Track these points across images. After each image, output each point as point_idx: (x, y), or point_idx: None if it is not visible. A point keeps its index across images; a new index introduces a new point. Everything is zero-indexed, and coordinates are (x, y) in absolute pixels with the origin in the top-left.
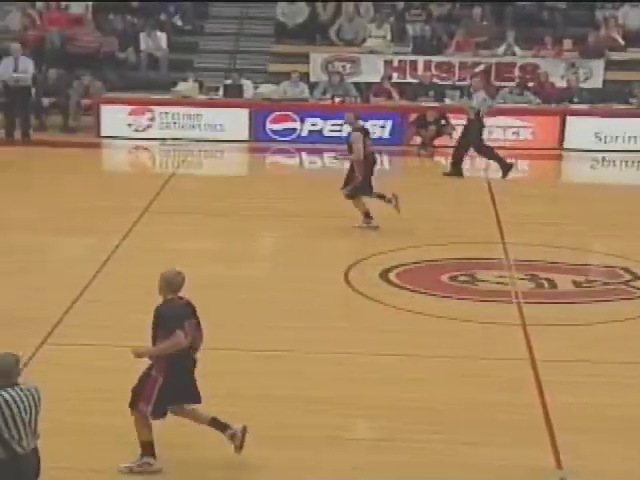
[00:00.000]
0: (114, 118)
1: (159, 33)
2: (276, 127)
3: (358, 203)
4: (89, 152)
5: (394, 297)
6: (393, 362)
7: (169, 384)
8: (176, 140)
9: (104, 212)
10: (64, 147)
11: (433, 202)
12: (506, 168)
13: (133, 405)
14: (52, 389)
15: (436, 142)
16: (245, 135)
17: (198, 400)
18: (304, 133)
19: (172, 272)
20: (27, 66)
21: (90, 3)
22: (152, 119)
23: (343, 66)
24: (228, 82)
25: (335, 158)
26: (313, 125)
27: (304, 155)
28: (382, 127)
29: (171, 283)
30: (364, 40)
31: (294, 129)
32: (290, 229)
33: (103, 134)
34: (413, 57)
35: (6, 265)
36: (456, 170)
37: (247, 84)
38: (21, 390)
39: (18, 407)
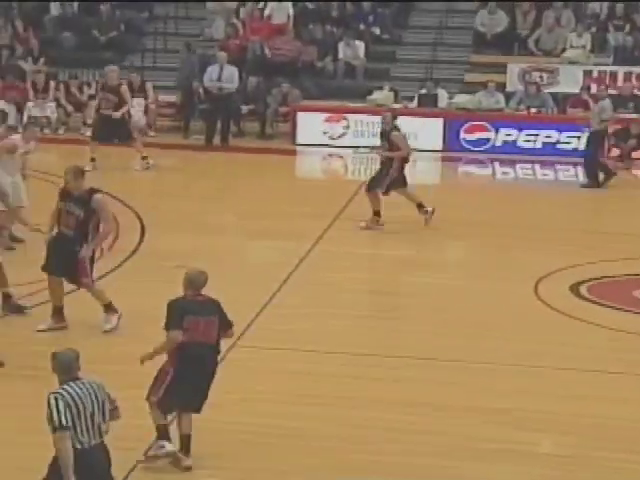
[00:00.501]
0: (310, 125)
1: (357, 42)
2: (470, 137)
3: (376, 200)
4: (284, 159)
5: (585, 311)
6: (585, 378)
7: (179, 381)
8: (369, 148)
9: (297, 217)
10: (260, 153)
11: (628, 216)
12: None
13: (147, 396)
14: (242, 391)
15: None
16: (439, 144)
17: (197, 410)
18: (498, 143)
19: (195, 271)
20: (232, 74)
21: (291, 13)
22: (347, 127)
23: (540, 76)
24: (423, 91)
25: (370, 151)
26: (507, 135)
27: (497, 165)
28: (578, 138)
29: (192, 281)
30: (563, 50)
31: (488, 139)
32: (480, 239)
33: (299, 141)
34: (614, 68)
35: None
36: None
37: (442, 93)
38: (82, 385)
39: (82, 402)
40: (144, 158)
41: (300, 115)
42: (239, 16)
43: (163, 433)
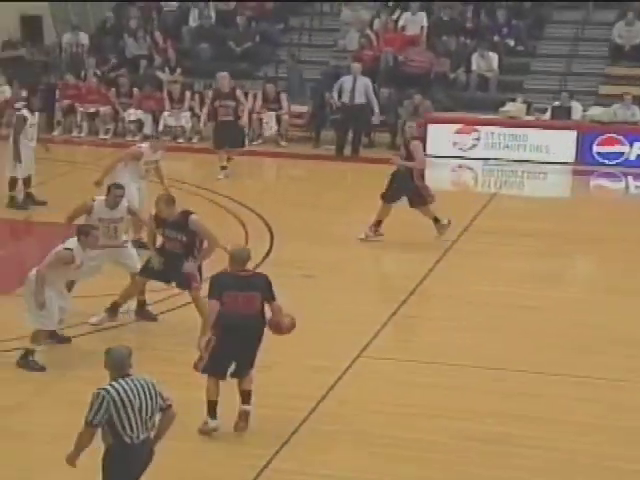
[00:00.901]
0: (440, 137)
1: (491, 54)
2: (603, 150)
3: (385, 211)
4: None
5: None
6: None
7: (219, 348)
8: (500, 160)
9: (425, 229)
10: (390, 164)
11: None
12: None
13: (194, 365)
14: (364, 401)
15: None
16: (571, 157)
17: (222, 377)
18: (632, 157)
19: (238, 247)
20: (365, 86)
21: (425, 24)
22: (478, 139)
23: None
24: (556, 104)
25: (389, 161)
26: None
27: (630, 179)
28: None
29: (234, 257)
30: None
31: (622, 153)
32: (610, 253)
33: (429, 152)
34: None
35: (329, 278)
36: None
37: (576, 106)
38: (132, 381)
39: (129, 397)
40: (223, 168)
41: (431, 126)
42: (373, 27)
43: (211, 410)
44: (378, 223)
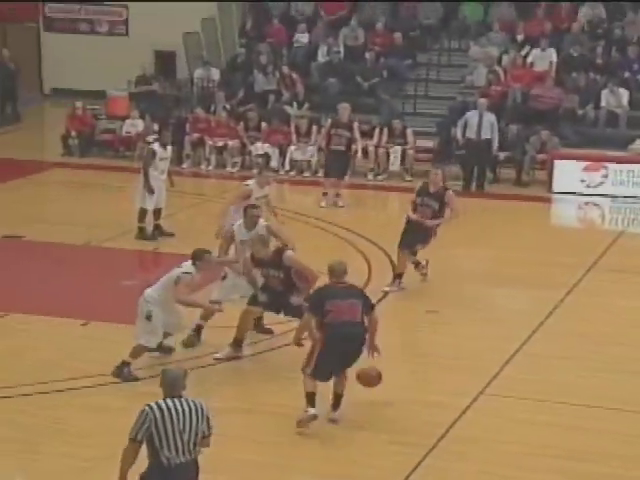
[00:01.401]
0: (567, 173)
1: (621, 90)
2: None
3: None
4: (540, 206)
5: None
6: None
7: (325, 356)
8: (628, 198)
9: (551, 266)
10: (516, 200)
11: None
12: None
13: (302, 368)
14: (485, 440)
15: None
16: None
17: (326, 381)
18: None
19: (336, 262)
20: (491, 122)
21: (554, 60)
22: (605, 176)
23: None
24: None
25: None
26: None
27: None
28: None
29: (334, 270)
30: None
31: None
32: None
33: (555, 189)
34: None
35: (453, 313)
36: None
37: None
38: (180, 402)
39: (171, 417)
40: (325, 194)
41: (558, 163)
42: (501, 63)
43: (309, 400)
44: (398, 276)
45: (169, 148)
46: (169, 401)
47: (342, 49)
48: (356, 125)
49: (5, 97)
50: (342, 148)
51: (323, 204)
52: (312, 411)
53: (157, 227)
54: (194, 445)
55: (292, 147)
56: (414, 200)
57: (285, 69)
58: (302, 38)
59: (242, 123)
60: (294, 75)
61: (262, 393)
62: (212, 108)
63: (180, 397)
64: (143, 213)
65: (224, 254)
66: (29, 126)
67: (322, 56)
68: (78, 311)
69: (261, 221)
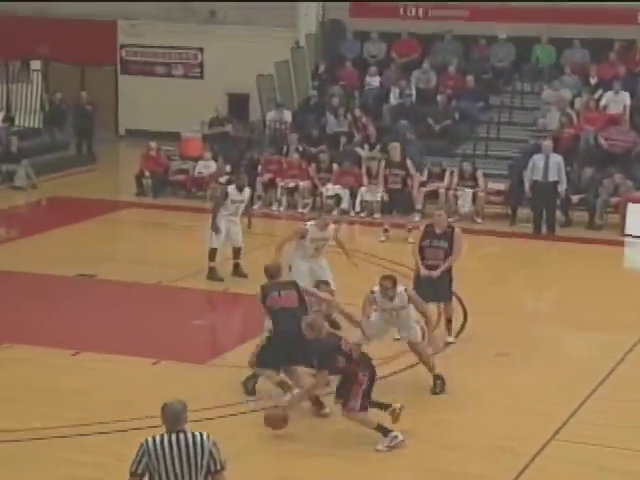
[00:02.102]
0: None
1: None
2: None
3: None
4: (612, 249)
5: None
6: None
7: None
8: None
9: (623, 310)
10: (588, 243)
11: None
12: None
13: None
14: None
15: None
16: None
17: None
18: None
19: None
20: (558, 164)
21: (628, 103)
22: None
23: None
24: None
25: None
26: None
27: None
28: None
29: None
30: None
31: None
32: None
33: (628, 232)
34: None
35: (522, 356)
36: None
37: None
38: (178, 437)
39: (164, 451)
40: (385, 231)
41: (631, 206)
42: (574, 106)
43: (382, 429)
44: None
45: (246, 190)
46: (166, 435)
47: (414, 91)
48: (409, 163)
49: (82, 137)
50: (398, 186)
51: (383, 239)
52: (399, 436)
53: (236, 266)
54: (195, 478)
55: (363, 189)
56: (420, 244)
57: (357, 111)
58: (374, 81)
59: (313, 165)
60: (365, 117)
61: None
62: (284, 150)
63: (182, 431)
64: (213, 253)
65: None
66: (104, 166)
67: (394, 98)
68: (148, 350)
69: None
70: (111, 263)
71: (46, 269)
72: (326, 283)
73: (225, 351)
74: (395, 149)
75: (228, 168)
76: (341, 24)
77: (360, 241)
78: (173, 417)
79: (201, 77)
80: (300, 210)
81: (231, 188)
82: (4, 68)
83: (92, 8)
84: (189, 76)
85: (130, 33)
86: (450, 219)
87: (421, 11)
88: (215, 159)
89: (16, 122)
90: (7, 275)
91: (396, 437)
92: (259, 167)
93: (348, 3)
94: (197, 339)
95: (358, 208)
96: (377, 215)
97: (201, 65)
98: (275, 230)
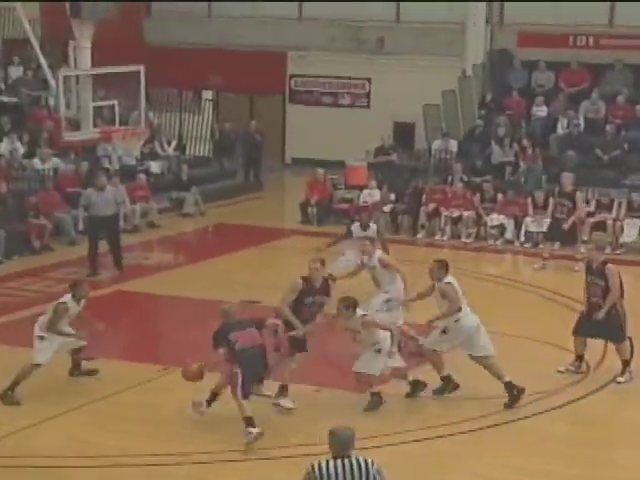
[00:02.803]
0: None
1: None
2: None
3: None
4: None
5: None
6: None
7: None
8: None
9: None
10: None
11: None
12: None
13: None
14: None
15: None
16: None
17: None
18: None
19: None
20: None
21: None
22: None
23: None
24: None
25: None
26: None
27: None
28: None
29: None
30: None
31: None
32: None
33: None
34: None
35: None
36: None
37: None
38: (343, 463)
39: (329, 477)
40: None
41: None
42: None
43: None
44: (578, 358)
45: (372, 227)
46: (332, 461)
47: (582, 121)
48: (579, 194)
49: (249, 166)
50: (563, 216)
51: (536, 266)
52: (256, 430)
53: None
54: None
55: (528, 219)
56: (585, 280)
57: (524, 142)
58: (540, 111)
59: (478, 194)
60: (532, 147)
61: None
62: (449, 179)
63: (348, 456)
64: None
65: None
66: (270, 194)
67: (561, 128)
68: (311, 377)
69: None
70: (275, 290)
71: (211, 295)
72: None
73: (382, 380)
74: (567, 179)
75: (392, 197)
76: (509, 53)
77: (523, 271)
78: (343, 442)
79: (368, 106)
80: (464, 240)
81: (355, 226)
82: (178, 98)
83: (264, 40)
84: (356, 105)
85: (299, 63)
86: (617, 251)
87: (591, 40)
88: (380, 188)
89: (187, 151)
90: (174, 300)
91: (250, 434)
92: (423, 196)
93: (516, 33)
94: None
95: (523, 238)
96: (542, 246)
97: (368, 94)
98: None
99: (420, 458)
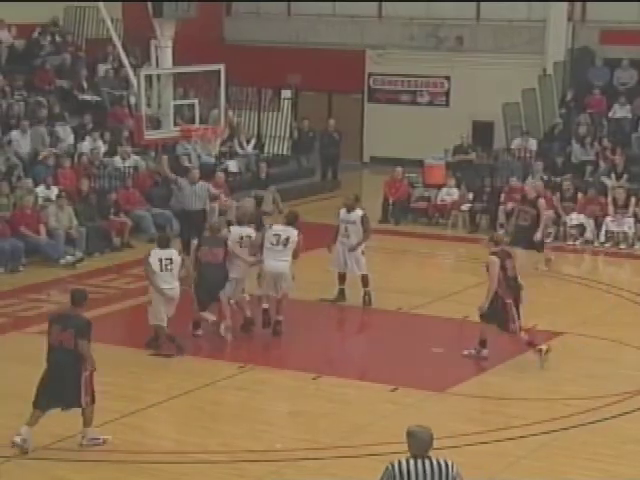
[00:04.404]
0: None
1: None
2: None
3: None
4: None
5: None
6: None
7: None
8: None
9: None
10: None
11: None
12: None
13: None
14: None
15: None
16: None
17: None
18: None
19: None
20: None
21: None
22: None
23: None
24: None
25: None
26: None
27: None
28: None
29: None
30: None
31: None
32: None
33: None
34: None
35: None
36: None
37: None
38: (424, 462)
39: (409, 476)
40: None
41: None
42: None
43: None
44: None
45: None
46: (412, 460)
47: None
48: (541, 202)
49: (327, 164)
50: (525, 224)
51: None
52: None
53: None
54: None
55: (608, 218)
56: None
57: (605, 141)
58: (623, 109)
59: (558, 193)
60: (613, 147)
61: None
62: (529, 178)
63: (428, 457)
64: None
65: None
66: (348, 192)
67: None
68: (387, 377)
69: None
70: (350, 289)
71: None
72: None
73: (463, 380)
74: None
75: (470, 196)
76: (590, 51)
77: (603, 272)
78: (423, 443)
79: (446, 105)
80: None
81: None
82: (257, 97)
83: (343, 38)
84: (435, 104)
85: (378, 62)
86: None
87: None
88: (458, 187)
89: (265, 149)
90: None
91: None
92: (502, 195)
93: (598, 30)
94: (436, 367)
95: (603, 239)
96: (623, 245)
97: (447, 93)
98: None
99: (498, 458)
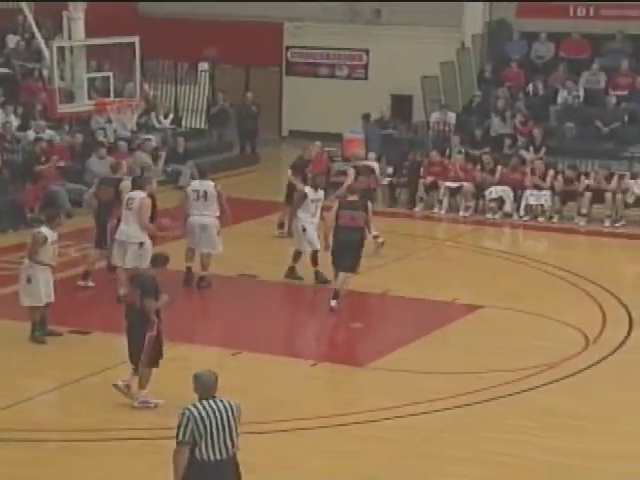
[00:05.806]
0: None
1: None
2: None
3: None
4: None
5: None
6: None
7: None
8: None
9: None
10: None
11: None
12: None
13: None
14: None
15: None
16: None
17: None
18: None
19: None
20: None
21: None
22: None
23: None
24: None
25: None
26: None
27: None
28: None
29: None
30: None
31: None
32: None
33: None
34: None
35: None
36: None
37: None
38: (215, 402)
39: (209, 416)
40: None
41: None
42: None
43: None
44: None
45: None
46: (205, 402)
47: (582, 93)
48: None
49: (245, 138)
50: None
51: None
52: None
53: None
54: (232, 443)
55: (527, 192)
56: None
57: (522, 114)
58: (540, 82)
59: (478, 167)
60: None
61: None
62: (447, 151)
63: (214, 397)
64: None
65: None
66: (267, 167)
67: (561, 99)
68: (307, 352)
69: None
70: (270, 266)
71: (210, 269)
72: None
73: (382, 355)
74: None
75: (390, 170)
76: (508, 24)
77: (522, 245)
78: (207, 385)
79: (365, 78)
80: (462, 214)
81: (308, 188)
82: (173, 70)
83: (259, 11)
84: (353, 77)
85: (296, 34)
86: (617, 224)
87: (592, 10)
88: (378, 161)
89: (183, 123)
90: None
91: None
92: (421, 169)
93: (515, 4)
94: (355, 342)
95: (522, 212)
96: (541, 219)
97: (366, 66)
98: (436, 233)
99: (416, 431)
